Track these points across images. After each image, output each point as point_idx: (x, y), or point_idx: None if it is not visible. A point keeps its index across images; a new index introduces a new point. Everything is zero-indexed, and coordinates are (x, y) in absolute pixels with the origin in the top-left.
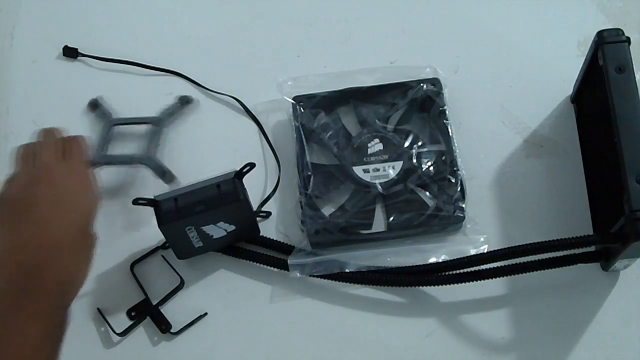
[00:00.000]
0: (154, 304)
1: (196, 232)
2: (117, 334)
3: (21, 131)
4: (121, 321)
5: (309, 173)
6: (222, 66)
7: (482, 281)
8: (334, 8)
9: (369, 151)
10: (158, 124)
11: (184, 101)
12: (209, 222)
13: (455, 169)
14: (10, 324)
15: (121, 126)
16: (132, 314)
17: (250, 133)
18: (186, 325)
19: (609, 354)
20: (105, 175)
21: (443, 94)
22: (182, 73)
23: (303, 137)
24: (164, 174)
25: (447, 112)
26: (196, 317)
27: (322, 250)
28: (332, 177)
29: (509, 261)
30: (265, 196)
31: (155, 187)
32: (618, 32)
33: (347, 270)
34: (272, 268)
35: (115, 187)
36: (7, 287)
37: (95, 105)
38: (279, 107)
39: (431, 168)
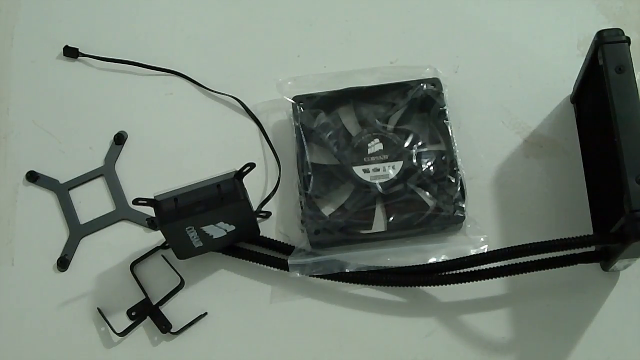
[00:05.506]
0: (154, 304)
1: (196, 232)
2: (117, 334)
3: (21, 131)
4: (121, 321)
5: (309, 173)
6: (222, 66)
7: (482, 281)
8: (334, 8)
9: (369, 151)
10: (108, 172)
11: (119, 140)
12: (209, 222)
13: (455, 169)
14: None
15: (76, 188)
16: (132, 314)
17: (250, 133)
18: (186, 325)
19: (609, 354)
20: None
21: (443, 94)
22: (182, 73)
23: (303, 137)
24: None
25: (447, 112)
26: (196, 317)
27: (322, 250)
28: (332, 177)
29: (508, 261)
30: (265, 196)
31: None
32: (618, 32)
33: (347, 270)
34: (272, 268)
35: None
36: None
37: (35, 177)
38: (279, 107)
39: (431, 168)
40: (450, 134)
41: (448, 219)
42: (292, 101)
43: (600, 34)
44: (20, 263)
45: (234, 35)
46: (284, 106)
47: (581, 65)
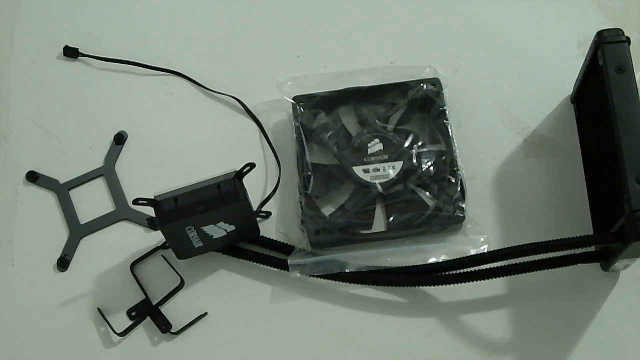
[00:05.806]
0: (154, 304)
1: (196, 232)
2: (117, 334)
3: (21, 131)
4: (121, 321)
5: (309, 173)
6: (222, 66)
7: (482, 281)
8: (334, 8)
9: (369, 151)
10: (108, 172)
11: (119, 140)
12: (209, 222)
13: (455, 169)
14: None
15: (76, 188)
16: (132, 314)
17: (250, 133)
18: (186, 325)
19: (609, 354)
20: None
21: (443, 94)
22: (182, 73)
23: (303, 137)
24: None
25: (447, 112)
26: (196, 317)
27: (322, 250)
28: (332, 177)
29: (509, 261)
30: (265, 196)
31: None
32: (618, 32)
33: (347, 270)
34: (272, 268)
35: None
36: None
37: (35, 177)
38: (279, 107)
39: (431, 168)
40: (450, 134)
41: (448, 219)
42: (292, 101)
43: (600, 34)
44: (20, 263)
45: (234, 35)
46: (284, 106)
47: (581, 65)
